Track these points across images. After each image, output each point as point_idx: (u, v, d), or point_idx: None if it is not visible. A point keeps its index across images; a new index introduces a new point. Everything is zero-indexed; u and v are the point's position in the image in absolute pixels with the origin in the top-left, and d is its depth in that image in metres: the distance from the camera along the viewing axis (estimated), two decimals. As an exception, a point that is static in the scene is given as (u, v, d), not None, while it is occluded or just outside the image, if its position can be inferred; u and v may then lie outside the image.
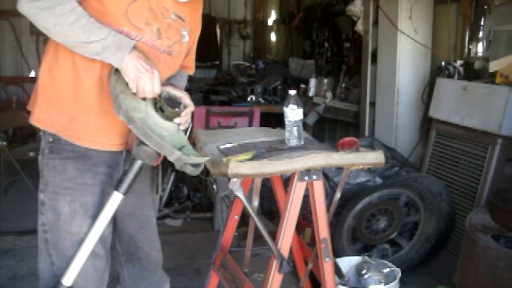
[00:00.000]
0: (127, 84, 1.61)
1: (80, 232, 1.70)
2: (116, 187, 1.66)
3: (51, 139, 1.68)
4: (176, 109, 1.69)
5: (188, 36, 1.81)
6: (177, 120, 1.69)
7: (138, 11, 1.63)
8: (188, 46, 1.85)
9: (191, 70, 1.99)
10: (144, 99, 1.64)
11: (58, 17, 1.52)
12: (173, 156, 1.55)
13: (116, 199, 1.66)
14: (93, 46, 1.55)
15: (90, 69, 1.64)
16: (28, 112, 1.76)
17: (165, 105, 1.66)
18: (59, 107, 1.67)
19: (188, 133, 1.84)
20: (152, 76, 1.59)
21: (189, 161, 1.61)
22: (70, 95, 1.66)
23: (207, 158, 1.73)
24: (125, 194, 1.66)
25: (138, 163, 1.64)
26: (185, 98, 1.75)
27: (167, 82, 1.79)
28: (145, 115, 1.63)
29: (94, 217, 1.71)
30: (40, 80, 1.69)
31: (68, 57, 1.64)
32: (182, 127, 1.73)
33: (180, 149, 1.60)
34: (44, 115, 1.68)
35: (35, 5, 1.51)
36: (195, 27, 1.88)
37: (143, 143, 1.56)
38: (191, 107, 1.75)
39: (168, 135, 1.66)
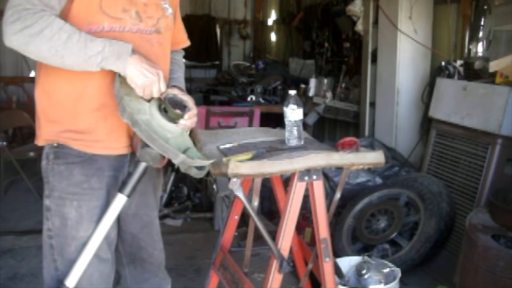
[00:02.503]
0: (126, 83, 1.61)
1: (87, 237, 1.69)
2: (120, 189, 1.67)
3: (55, 144, 1.67)
4: (180, 111, 1.69)
5: (170, 7, 1.78)
6: (181, 122, 1.69)
7: (112, 1, 1.61)
8: (173, 17, 1.82)
9: (185, 42, 1.96)
10: (149, 100, 1.64)
11: (50, 40, 1.47)
12: (178, 159, 1.55)
13: (120, 201, 1.66)
14: (92, 61, 1.52)
15: (87, 79, 1.62)
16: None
17: (169, 107, 1.66)
18: (64, 125, 1.65)
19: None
20: (158, 78, 1.60)
21: (194, 164, 1.61)
22: (72, 110, 1.64)
23: (212, 160, 1.72)
24: (129, 196, 1.67)
25: (142, 165, 1.65)
26: (189, 102, 1.75)
27: (171, 85, 1.79)
28: (149, 117, 1.63)
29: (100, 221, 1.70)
30: (38, 104, 1.68)
31: (61, 73, 1.61)
32: (181, 127, 1.71)
33: (184, 151, 1.61)
34: (50, 133, 1.67)
35: (23, 34, 1.46)
36: None
37: (148, 146, 1.57)
38: (194, 110, 1.75)
39: (173, 137, 1.66)
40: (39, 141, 1.70)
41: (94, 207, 1.70)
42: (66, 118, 1.65)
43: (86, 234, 1.69)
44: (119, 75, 1.59)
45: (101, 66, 1.55)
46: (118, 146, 1.70)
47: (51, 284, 1.73)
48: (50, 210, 1.70)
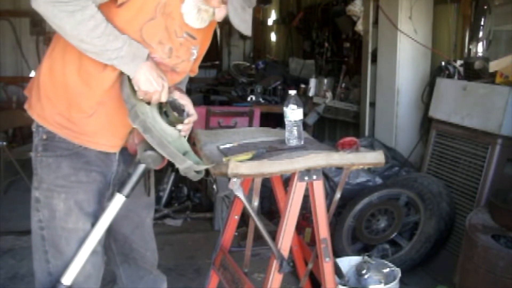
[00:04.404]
0: (133, 88, 1.62)
1: (76, 229, 1.71)
2: (119, 190, 1.69)
3: (45, 137, 1.69)
4: (179, 116, 1.71)
5: (196, 53, 1.81)
6: (179, 126, 1.72)
7: (154, 30, 1.63)
8: (193, 62, 1.85)
9: (194, 73, 2.00)
10: (148, 103, 1.66)
11: (77, 23, 1.50)
12: (184, 165, 1.58)
13: (118, 201, 1.68)
14: (108, 54, 1.55)
15: (96, 78, 1.64)
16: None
17: (170, 110, 1.68)
18: (59, 108, 1.67)
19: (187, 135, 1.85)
20: (162, 89, 1.63)
21: (198, 169, 1.63)
22: (70, 99, 1.66)
23: (213, 164, 1.73)
24: (128, 196, 1.69)
25: (142, 167, 1.67)
26: (189, 106, 1.77)
27: (174, 86, 1.80)
28: (152, 121, 1.64)
29: (89, 214, 1.73)
30: (41, 76, 1.69)
31: (75, 61, 1.63)
32: (183, 134, 1.75)
33: (183, 155, 1.62)
34: (45, 112, 1.68)
35: (55, 7, 1.48)
36: (205, 44, 1.88)
37: (151, 149, 1.59)
38: (194, 116, 1.77)
39: (173, 141, 1.68)
40: (33, 114, 1.71)
41: (82, 200, 1.71)
42: (63, 103, 1.66)
43: (75, 226, 1.71)
44: (128, 80, 1.60)
45: (113, 63, 1.57)
46: (104, 143, 1.71)
47: (41, 277, 1.75)
48: (39, 201, 1.71)
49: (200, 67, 1.98)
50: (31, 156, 1.74)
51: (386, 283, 2.40)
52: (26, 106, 1.74)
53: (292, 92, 1.91)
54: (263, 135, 2.10)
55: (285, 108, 1.88)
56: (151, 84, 1.60)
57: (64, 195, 1.69)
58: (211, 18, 1.71)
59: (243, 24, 1.64)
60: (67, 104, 1.66)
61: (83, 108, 1.66)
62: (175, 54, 1.71)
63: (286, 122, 1.89)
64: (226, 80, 7.01)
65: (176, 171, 4.22)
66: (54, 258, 1.72)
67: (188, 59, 1.78)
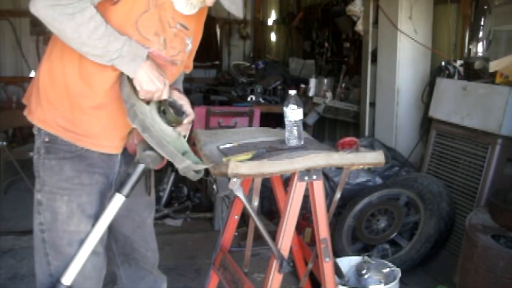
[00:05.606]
0: (133, 87, 1.62)
1: (78, 231, 1.71)
2: (119, 190, 1.69)
3: (47, 139, 1.68)
4: (178, 116, 1.72)
5: (191, 44, 1.82)
6: (178, 128, 1.73)
7: (149, 22, 1.64)
8: (189, 53, 1.86)
9: (189, 69, 2.01)
10: (148, 103, 1.66)
11: (78, 25, 1.50)
12: (183, 165, 1.58)
13: (118, 201, 1.69)
14: (109, 55, 1.56)
15: (96, 77, 1.64)
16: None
17: (169, 109, 1.69)
18: (60, 110, 1.67)
19: (187, 135, 1.86)
20: (164, 87, 1.64)
21: (197, 168, 1.63)
22: (72, 98, 1.66)
23: (213, 164, 1.73)
24: (127, 196, 1.69)
25: (141, 167, 1.68)
26: (186, 106, 1.78)
27: (172, 87, 1.80)
28: (152, 121, 1.64)
29: (91, 216, 1.72)
30: (40, 80, 1.69)
31: (75, 62, 1.63)
32: (183, 134, 1.76)
33: (183, 155, 1.62)
34: (46, 115, 1.68)
35: (54, 10, 1.48)
36: (198, 35, 1.89)
37: (150, 149, 1.59)
38: (191, 115, 1.78)
39: (172, 141, 1.68)
40: (34, 119, 1.70)
41: (84, 203, 1.71)
42: (64, 104, 1.66)
43: (77, 229, 1.71)
44: (127, 79, 1.61)
45: (113, 63, 1.58)
46: (107, 145, 1.72)
47: (42, 279, 1.75)
48: (41, 204, 1.71)
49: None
50: (33, 158, 1.73)
51: (386, 283, 2.40)
52: (25, 113, 1.74)
53: (292, 92, 1.91)
54: (263, 135, 2.10)
55: (285, 108, 1.88)
56: (154, 83, 1.61)
57: (67, 198, 1.69)
58: (201, 4, 1.72)
59: (234, 5, 1.65)
60: (69, 106, 1.66)
61: (85, 109, 1.66)
62: (170, 45, 1.71)
63: (286, 122, 1.89)
64: (226, 80, 7.00)
65: (176, 171, 4.21)
66: (55, 260, 1.72)
67: (184, 50, 1.79)
